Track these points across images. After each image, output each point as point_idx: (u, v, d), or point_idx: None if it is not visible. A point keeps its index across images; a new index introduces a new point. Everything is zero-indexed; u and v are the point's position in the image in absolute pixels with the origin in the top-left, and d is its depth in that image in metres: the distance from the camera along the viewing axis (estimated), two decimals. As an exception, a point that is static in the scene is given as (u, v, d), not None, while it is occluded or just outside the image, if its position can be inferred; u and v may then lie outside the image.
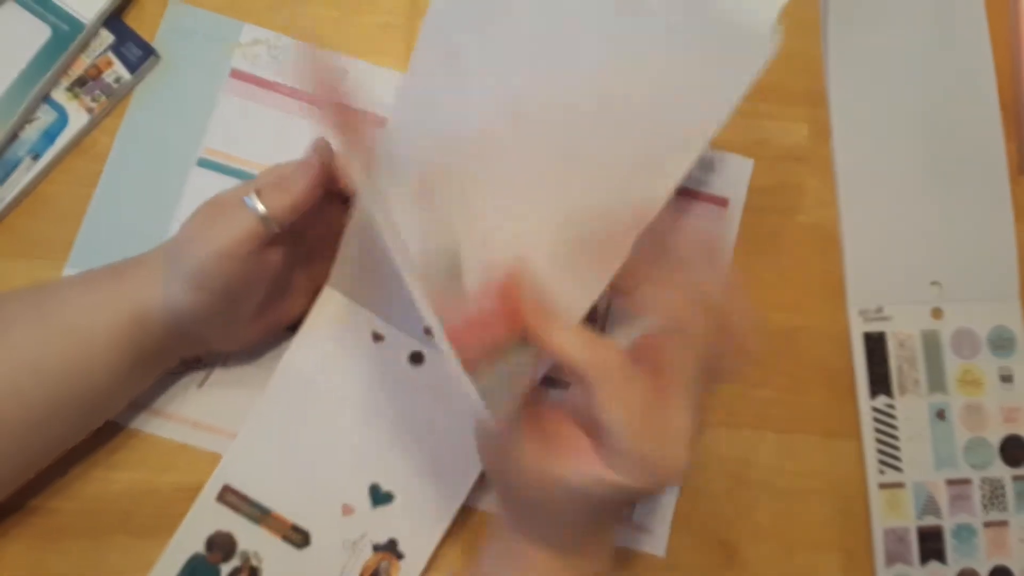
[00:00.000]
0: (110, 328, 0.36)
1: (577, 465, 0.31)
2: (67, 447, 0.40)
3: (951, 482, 0.46)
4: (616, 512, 0.36)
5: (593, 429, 0.31)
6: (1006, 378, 0.47)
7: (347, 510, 0.42)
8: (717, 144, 0.48)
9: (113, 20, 0.46)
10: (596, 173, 0.35)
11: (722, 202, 0.47)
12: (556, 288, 0.33)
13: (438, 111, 0.37)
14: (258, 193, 0.36)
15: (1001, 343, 0.47)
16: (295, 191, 0.37)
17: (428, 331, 0.42)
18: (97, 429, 0.42)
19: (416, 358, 0.43)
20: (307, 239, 0.40)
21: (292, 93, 0.47)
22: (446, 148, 0.36)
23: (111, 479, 0.42)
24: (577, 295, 0.34)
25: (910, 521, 0.45)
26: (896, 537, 0.45)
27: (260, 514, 0.41)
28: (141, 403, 0.43)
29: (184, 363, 0.43)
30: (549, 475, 0.31)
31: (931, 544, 0.45)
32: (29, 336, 0.36)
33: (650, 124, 0.35)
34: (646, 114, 0.35)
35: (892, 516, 0.45)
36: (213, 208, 0.37)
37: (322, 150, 0.38)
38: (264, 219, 0.36)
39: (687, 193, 0.47)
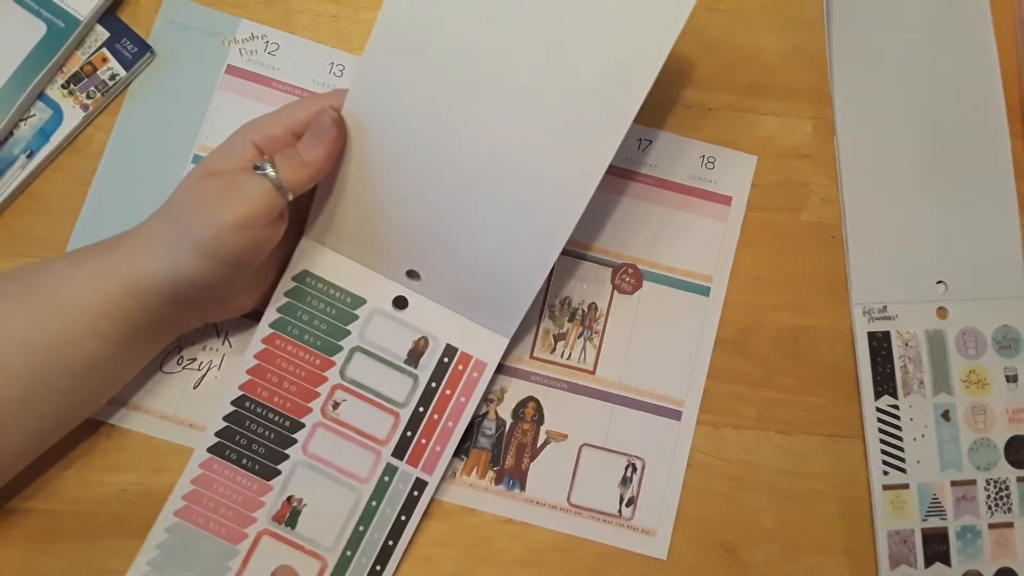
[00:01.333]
0: (100, 301, 0.36)
1: None
2: (60, 432, 0.39)
3: (956, 483, 0.45)
4: None
5: None
6: (1011, 378, 0.46)
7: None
8: (720, 141, 0.48)
9: (108, 16, 0.46)
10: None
11: (725, 200, 0.47)
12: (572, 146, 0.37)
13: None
14: (272, 164, 0.37)
15: (1007, 343, 0.47)
16: (315, 163, 0.38)
17: (411, 274, 0.42)
18: (92, 431, 0.42)
19: (400, 302, 0.43)
20: (300, 199, 0.40)
21: (289, 90, 0.46)
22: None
23: (105, 481, 0.42)
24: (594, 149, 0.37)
25: (914, 523, 0.45)
26: (900, 539, 0.44)
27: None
28: (135, 404, 0.42)
29: (180, 361, 0.43)
30: None
31: (936, 546, 0.44)
32: (17, 310, 0.36)
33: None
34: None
35: (896, 518, 0.44)
36: (219, 180, 0.37)
37: (338, 121, 0.38)
38: (282, 191, 0.37)
39: (689, 191, 0.47)
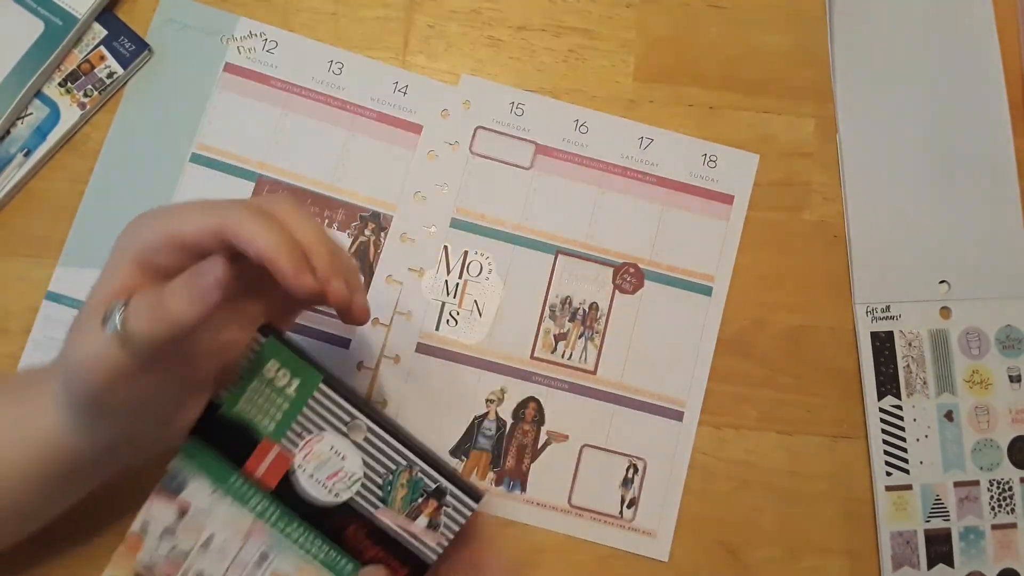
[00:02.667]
0: (23, 451, 0.33)
1: None
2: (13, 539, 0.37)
3: (959, 484, 0.45)
4: None
5: None
6: (1015, 378, 0.46)
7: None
8: (722, 140, 0.47)
9: (106, 14, 0.46)
10: None
11: (727, 199, 0.47)
12: None
13: None
14: (127, 306, 0.29)
15: (1010, 343, 0.46)
16: (178, 321, 0.28)
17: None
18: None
19: None
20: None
21: (288, 87, 0.46)
22: None
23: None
24: None
25: (917, 524, 0.44)
26: (903, 540, 0.44)
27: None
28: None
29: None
30: None
31: (938, 547, 0.44)
32: None
33: None
34: None
35: (899, 519, 0.44)
36: (81, 314, 0.30)
37: (221, 280, 0.29)
38: (131, 346, 0.29)
39: (691, 189, 0.47)
